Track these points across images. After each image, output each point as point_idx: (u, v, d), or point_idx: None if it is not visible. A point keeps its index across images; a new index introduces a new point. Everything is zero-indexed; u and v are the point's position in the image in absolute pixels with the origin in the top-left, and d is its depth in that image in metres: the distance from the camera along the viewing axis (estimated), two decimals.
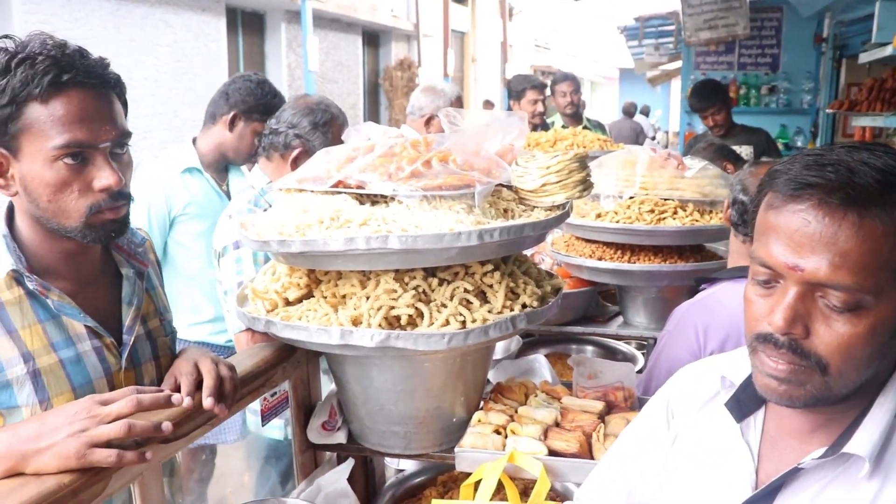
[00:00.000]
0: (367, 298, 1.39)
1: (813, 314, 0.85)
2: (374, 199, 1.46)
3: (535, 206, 1.54)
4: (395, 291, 1.38)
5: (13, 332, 1.22)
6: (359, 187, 1.45)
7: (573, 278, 2.43)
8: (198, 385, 1.28)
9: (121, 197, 1.24)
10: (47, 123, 1.17)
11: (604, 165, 2.43)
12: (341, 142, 2.33)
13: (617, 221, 2.20)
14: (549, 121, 5.18)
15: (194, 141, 2.60)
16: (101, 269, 1.37)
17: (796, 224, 0.84)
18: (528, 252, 2.44)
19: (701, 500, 1.03)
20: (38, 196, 1.21)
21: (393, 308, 1.37)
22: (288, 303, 1.54)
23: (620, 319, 2.49)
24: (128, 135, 1.26)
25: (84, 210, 1.22)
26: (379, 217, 1.37)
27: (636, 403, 1.61)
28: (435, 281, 1.41)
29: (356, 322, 1.38)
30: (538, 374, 1.89)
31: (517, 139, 1.68)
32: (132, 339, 1.36)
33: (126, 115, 1.28)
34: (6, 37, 1.20)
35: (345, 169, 1.49)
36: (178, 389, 1.27)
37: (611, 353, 2.57)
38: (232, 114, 2.55)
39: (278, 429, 2.32)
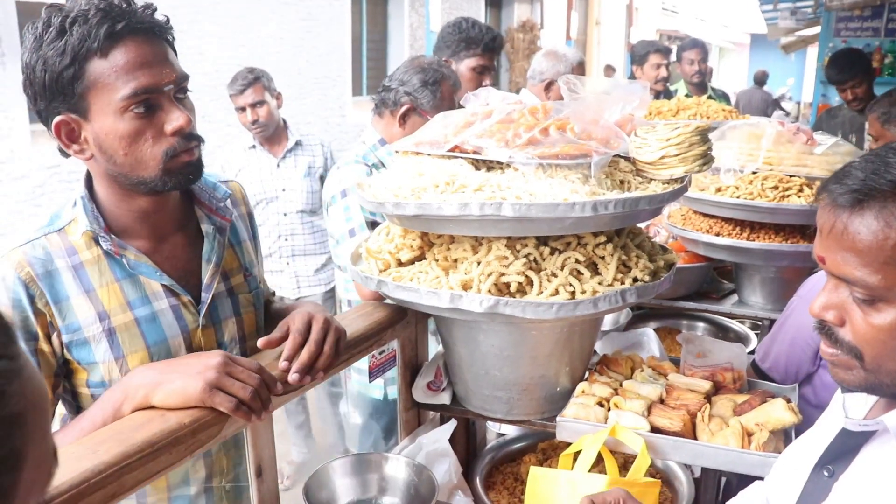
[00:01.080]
0: (478, 264, 1.41)
1: (847, 305, 0.92)
2: (490, 165, 1.46)
3: (652, 179, 1.51)
4: (507, 258, 1.39)
5: (91, 292, 1.27)
6: (475, 153, 1.45)
7: (688, 252, 2.38)
8: (302, 345, 1.30)
9: (193, 138, 1.27)
10: (111, 76, 1.19)
11: (727, 138, 2.34)
12: (452, 102, 2.38)
13: (737, 197, 2.12)
14: (672, 88, 5.02)
15: None
16: (180, 226, 1.40)
17: (822, 219, 0.93)
18: (643, 224, 2.40)
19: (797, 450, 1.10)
20: (113, 152, 1.23)
21: (503, 275, 1.37)
22: (400, 263, 1.57)
23: (735, 297, 2.42)
24: (186, 77, 1.27)
25: (160, 156, 1.24)
26: (494, 183, 1.37)
27: (745, 386, 1.57)
28: (546, 250, 1.41)
29: (466, 286, 1.40)
30: (646, 349, 1.87)
31: (637, 109, 1.64)
32: (210, 296, 1.38)
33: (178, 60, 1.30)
34: (52, 5, 1.22)
35: (462, 134, 1.50)
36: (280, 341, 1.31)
37: (723, 332, 2.50)
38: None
39: (378, 388, 2.39)
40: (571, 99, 1.69)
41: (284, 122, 3.69)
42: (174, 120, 1.23)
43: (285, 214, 3.56)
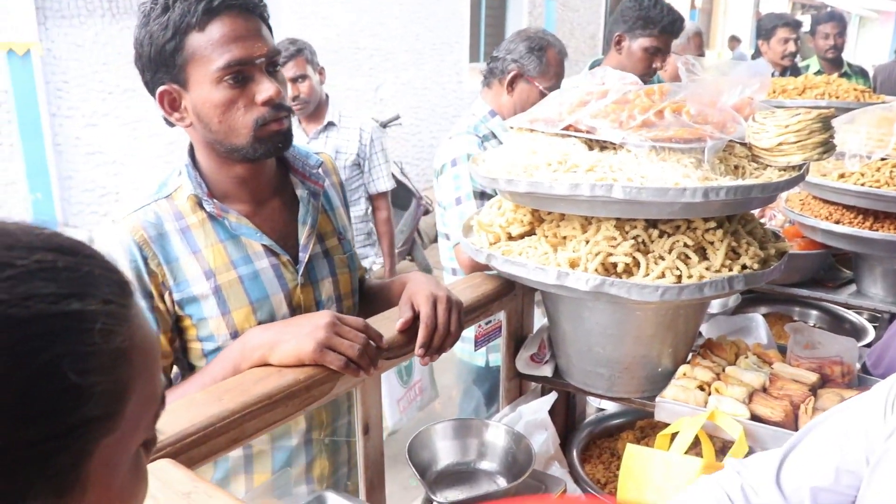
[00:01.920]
0: (587, 242, 1.43)
1: None
2: (603, 146, 1.48)
3: (768, 165, 1.49)
4: (615, 239, 1.41)
5: (198, 252, 1.38)
6: (588, 132, 1.47)
7: (805, 239, 2.31)
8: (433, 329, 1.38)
9: (282, 109, 1.35)
10: (208, 48, 1.28)
11: (856, 121, 2.25)
12: (558, 68, 2.42)
13: (862, 184, 2.04)
14: (802, 64, 4.80)
15: None
16: (276, 191, 1.49)
17: None
18: (759, 208, 2.35)
19: None
20: (209, 120, 1.33)
21: (611, 255, 1.40)
22: (510, 238, 1.62)
23: (853, 287, 2.33)
24: (277, 52, 1.36)
25: (251, 124, 1.32)
26: (606, 164, 1.39)
27: (855, 381, 1.54)
28: (655, 232, 1.42)
29: (573, 264, 1.43)
30: (753, 335, 1.85)
31: (758, 92, 1.61)
32: (307, 256, 1.47)
33: (272, 36, 1.38)
34: None
35: (576, 113, 1.52)
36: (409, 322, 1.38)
37: (838, 322, 2.43)
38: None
39: (480, 356, 2.46)
40: (689, 80, 1.67)
41: (327, 97, 3.47)
42: (264, 91, 1.32)
43: None
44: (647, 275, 1.36)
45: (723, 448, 1.62)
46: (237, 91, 1.31)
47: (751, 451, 1.34)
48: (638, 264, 1.38)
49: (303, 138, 3.42)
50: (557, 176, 1.39)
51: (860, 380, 1.57)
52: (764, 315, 2.20)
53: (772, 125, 1.48)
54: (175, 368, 1.48)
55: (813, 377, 1.49)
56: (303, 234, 1.48)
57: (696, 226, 1.41)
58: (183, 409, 1.11)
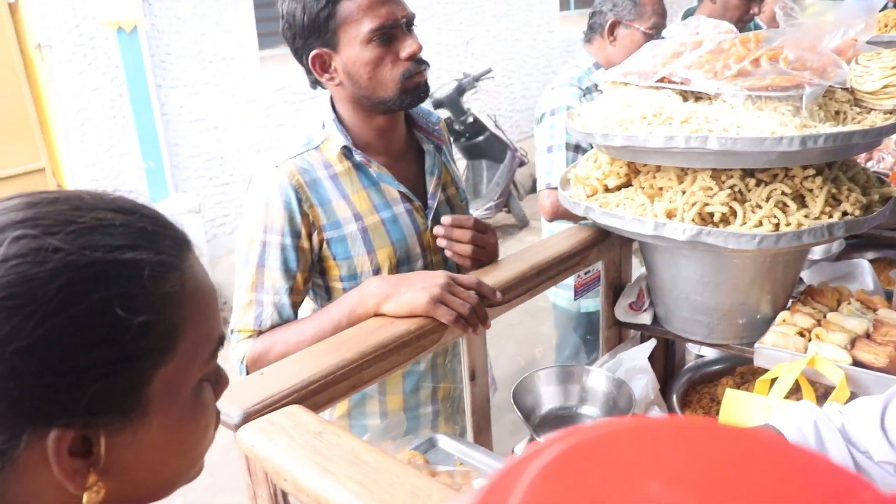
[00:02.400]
0: (683, 193, 1.45)
1: None
2: (698, 96, 1.49)
3: (872, 109, 1.46)
4: (711, 189, 1.42)
5: (346, 197, 1.53)
6: (683, 84, 1.48)
7: None
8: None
9: (422, 62, 1.50)
10: (357, 13, 1.43)
11: None
12: (657, 8, 2.41)
13: None
14: None
15: None
16: (406, 146, 1.65)
17: None
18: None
19: None
20: (359, 77, 1.48)
21: (707, 205, 1.41)
22: (607, 190, 1.65)
23: None
24: (414, 16, 1.51)
25: (398, 77, 1.48)
26: (701, 115, 1.40)
27: None
28: (752, 181, 1.42)
29: (670, 215, 1.45)
30: (857, 281, 1.83)
31: (862, 33, 1.58)
32: (436, 203, 1.62)
33: None
34: None
35: (670, 64, 1.53)
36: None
37: None
38: None
39: (577, 303, 2.51)
40: (787, 25, 1.65)
41: None
42: (408, 47, 1.47)
43: None
44: (744, 223, 1.38)
45: (824, 394, 1.63)
46: (384, 49, 1.46)
47: (853, 398, 1.35)
48: (735, 213, 1.40)
49: None
50: (652, 129, 1.41)
51: None
52: (871, 261, 2.16)
53: (876, 67, 1.46)
54: (312, 305, 1.64)
55: None
56: (431, 183, 1.63)
57: (794, 174, 1.41)
58: (307, 360, 1.21)
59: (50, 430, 0.58)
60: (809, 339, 1.49)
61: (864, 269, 1.87)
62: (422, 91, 1.52)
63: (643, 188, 1.54)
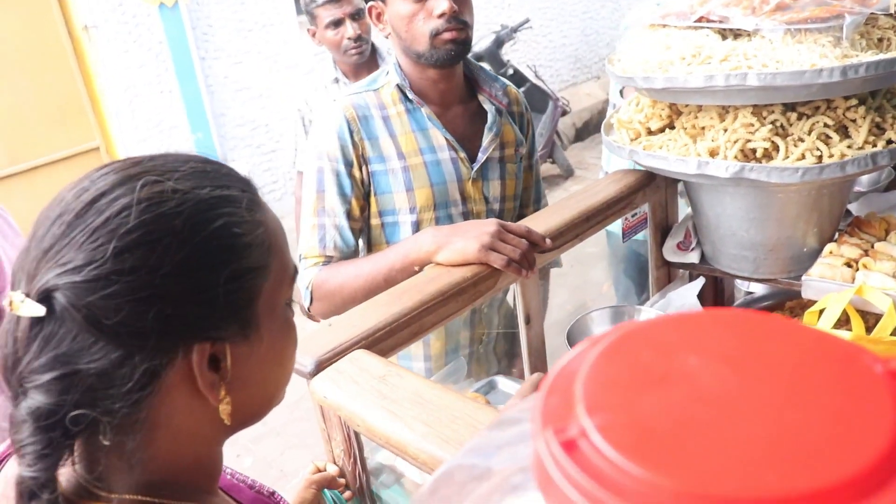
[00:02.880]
0: (725, 131, 1.48)
1: None
2: (737, 34, 1.50)
3: None
4: (753, 125, 1.44)
5: (394, 137, 1.63)
6: (721, 22, 1.50)
7: None
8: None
9: (457, 21, 1.56)
10: None
11: None
12: None
13: None
14: None
15: None
16: (462, 101, 1.73)
17: None
18: None
19: None
20: (399, 29, 1.59)
21: (749, 141, 1.44)
22: (650, 132, 1.68)
23: None
24: None
25: (428, 33, 1.56)
26: (740, 52, 1.42)
27: None
28: (794, 115, 1.44)
29: (713, 153, 1.48)
30: None
31: None
32: (485, 157, 1.70)
33: None
34: None
35: (707, 4, 1.54)
36: None
37: None
38: None
39: (627, 247, 2.54)
40: None
41: (373, 44, 2.83)
42: (440, 6, 1.54)
43: None
44: (787, 157, 1.40)
45: (873, 324, 1.65)
46: (419, 5, 1.56)
47: None
48: (777, 148, 1.42)
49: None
50: (692, 69, 1.43)
51: None
52: None
53: None
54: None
55: None
56: (487, 138, 1.71)
57: (836, 105, 1.43)
58: (371, 309, 1.29)
59: (193, 347, 0.68)
60: (857, 270, 1.51)
61: None
62: (452, 49, 1.59)
63: (685, 129, 1.56)
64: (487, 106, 1.73)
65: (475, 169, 1.70)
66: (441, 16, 1.55)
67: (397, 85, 1.65)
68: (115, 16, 5.01)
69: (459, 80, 1.72)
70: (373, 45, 2.77)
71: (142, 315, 0.64)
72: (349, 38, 2.65)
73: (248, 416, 0.77)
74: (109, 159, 5.27)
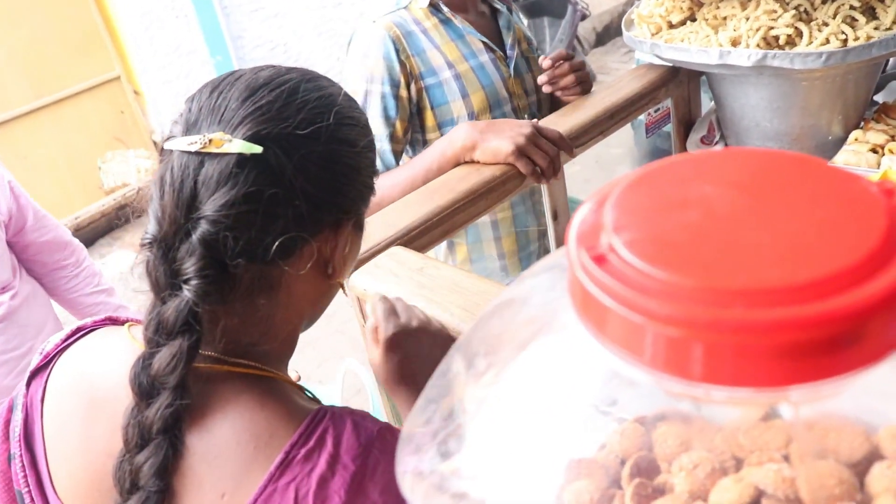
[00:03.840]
0: (747, 20, 1.48)
1: None
2: None
3: None
4: (776, 11, 1.44)
5: (439, 47, 1.64)
6: None
7: None
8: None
9: None
10: None
11: None
12: None
13: None
14: None
15: None
16: (481, 6, 1.76)
17: None
18: None
19: None
20: None
21: (772, 28, 1.44)
22: (671, 26, 1.68)
23: None
24: None
25: None
26: None
27: None
28: None
29: (735, 43, 1.48)
30: None
31: None
32: (515, 53, 1.73)
33: None
34: None
35: None
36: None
37: None
38: None
39: (651, 140, 2.55)
40: None
41: None
42: None
43: None
44: (811, 43, 1.40)
45: None
46: None
47: None
48: (801, 34, 1.42)
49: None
50: None
51: None
52: None
53: None
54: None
55: None
56: (508, 37, 1.75)
57: None
58: (405, 208, 1.33)
59: (346, 220, 0.79)
60: (883, 155, 1.52)
61: None
62: None
63: (707, 20, 1.56)
64: (498, 5, 1.77)
65: (511, 66, 1.74)
66: None
67: (430, 3, 1.66)
68: None
69: None
70: None
71: (336, 179, 0.75)
72: None
73: (329, 299, 0.87)
74: (131, 88, 5.30)
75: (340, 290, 0.89)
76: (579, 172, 3.84)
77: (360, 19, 1.69)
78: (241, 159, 0.69)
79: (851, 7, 1.40)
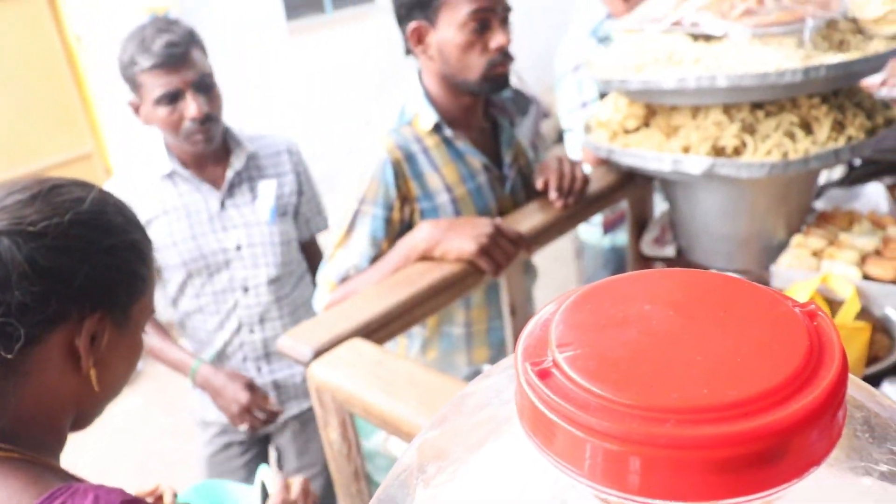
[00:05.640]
0: (697, 129, 1.56)
1: None
2: (708, 38, 1.58)
3: (874, 37, 1.55)
4: (723, 123, 1.53)
5: (438, 169, 1.64)
6: (693, 26, 1.58)
7: None
8: (560, 182, 1.65)
9: (508, 56, 1.60)
10: None
11: None
12: None
13: None
14: None
15: None
16: (484, 122, 1.75)
17: None
18: (878, 78, 2.35)
19: None
20: (449, 56, 1.58)
21: (719, 139, 1.52)
22: (627, 132, 1.75)
23: None
24: (510, 9, 1.61)
25: (484, 65, 1.58)
26: (710, 55, 1.50)
27: None
28: (761, 113, 1.52)
29: (686, 150, 1.56)
30: (871, 204, 1.92)
31: None
32: (513, 173, 1.75)
33: None
34: None
35: (681, 9, 1.62)
36: (546, 183, 1.66)
37: None
38: None
39: (606, 240, 2.62)
40: None
41: (225, 126, 2.00)
42: (499, 39, 1.58)
43: (246, 290, 1.98)
44: (755, 154, 1.48)
45: (838, 310, 1.74)
46: (477, 36, 1.56)
47: (863, 310, 1.46)
48: (746, 145, 1.50)
49: (207, 198, 1.94)
50: (666, 71, 1.51)
51: None
52: (891, 185, 2.24)
53: None
54: None
55: None
56: (507, 155, 1.76)
57: (800, 103, 1.51)
58: (365, 302, 1.36)
59: (93, 312, 0.87)
60: (822, 259, 1.59)
61: (877, 192, 1.96)
62: (501, 82, 1.64)
63: (660, 128, 1.64)
64: (501, 120, 1.78)
65: (507, 187, 1.75)
66: (498, 49, 1.58)
67: (435, 123, 1.64)
68: (107, 24, 5.05)
69: (482, 101, 1.76)
70: (225, 126, 1.99)
71: (72, 269, 0.84)
72: (192, 119, 1.82)
73: (99, 396, 0.92)
74: (102, 164, 5.30)
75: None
76: (539, 265, 3.88)
77: (367, 128, 1.69)
78: None
79: (791, 122, 1.49)
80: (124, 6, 5.06)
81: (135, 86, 1.85)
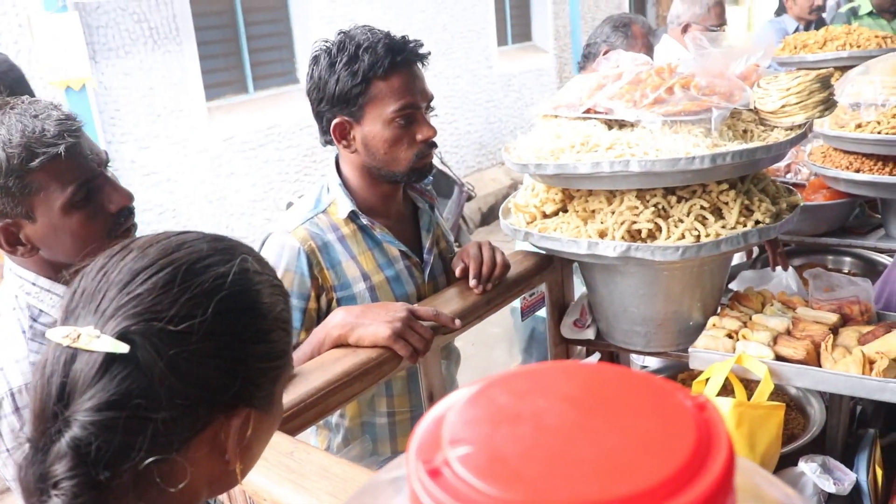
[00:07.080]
0: (613, 213, 1.59)
1: None
2: (622, 124, 1.63)
3: (775, 127, 1.62)
4: (637, 208, 1.56)
5: (355, 258, 1.63)
6: (606, 113, 1.62)
7: (830, 189, 2.41)
8: (479, 269, 1.64)
9: (433, 145, 1.62)
10: (387, 94, 1.55)
11: (870, 71, 2.34)
12: (645, 39, 2.61)
13: (878, 132, 2.15)
14: (850, 6, 4.79)
15: None
16: (403, 207, 1.76)
17: None
18: (783, 163, 2.46)
19: None
20: (376, 150, 1.60)
21: (634, 223, 1.55)
22: (545, 216, 1.78)
23: (882, 232, 2.44)
24: (433, 98, 1.65)
25: (412, 157, 1.61)
26: (624, 142, 1.54)
27: (874, 318, 1.67)
28: (674, 198, 1.56)
29: (602, 234, 1.58)
30: (781, 285, 1.98)
31: (762, 59, 1.74)
32: (431, 258, 1.74)
33: None
34: (344, 32, 1.59)
35: (595, 96, 1.67)
36: (465, 269, 1.65)
37: (871, 266, 2.52)
38: None
39: (528, 324, 2.63)
40: (698, 55, 1.81)
41: None
42: (425, 131, 1.61)
43: None
44: (669, 237, 1.51)
45: (754, 388, 1.76)
46: (403, 130, 1.59)
47: (776, 389, 1.48)
48: (660, 228, 1.53)
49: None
50: (581, 156, 1.54)
51: (879, 317, 1.70)
52: (799, 266, 2.32)
53: (774, 89, 1.62)
54: None
55: (833, 317, 1.61)
56: (427, 240, 1.76)
57: (710, 189, 1.56)
58: None
59: (240, 408, 0.74)
60: (737, 340, 1.62)
61: (787, 274, 2.03)
62: (427, 171, 1.67)
63: (577, 212, 1.67)
64: (421, 205, 1.79)
65: (426, 272, 1.75)
66: (424, 141, 1.62)
67: (351, 211, 1.64)
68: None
69: (402, 188, 1.77)
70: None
71: (221, 373, 0.71)
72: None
73: (232, 482, 0.81)
74: None
75: None
76: (461, 348, 3.86)
77: (274, 225, 1.66)
78: (109, 358, 0.66)
79: (702, 207, 1.53)
80: (36, 79, 4.97)
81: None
